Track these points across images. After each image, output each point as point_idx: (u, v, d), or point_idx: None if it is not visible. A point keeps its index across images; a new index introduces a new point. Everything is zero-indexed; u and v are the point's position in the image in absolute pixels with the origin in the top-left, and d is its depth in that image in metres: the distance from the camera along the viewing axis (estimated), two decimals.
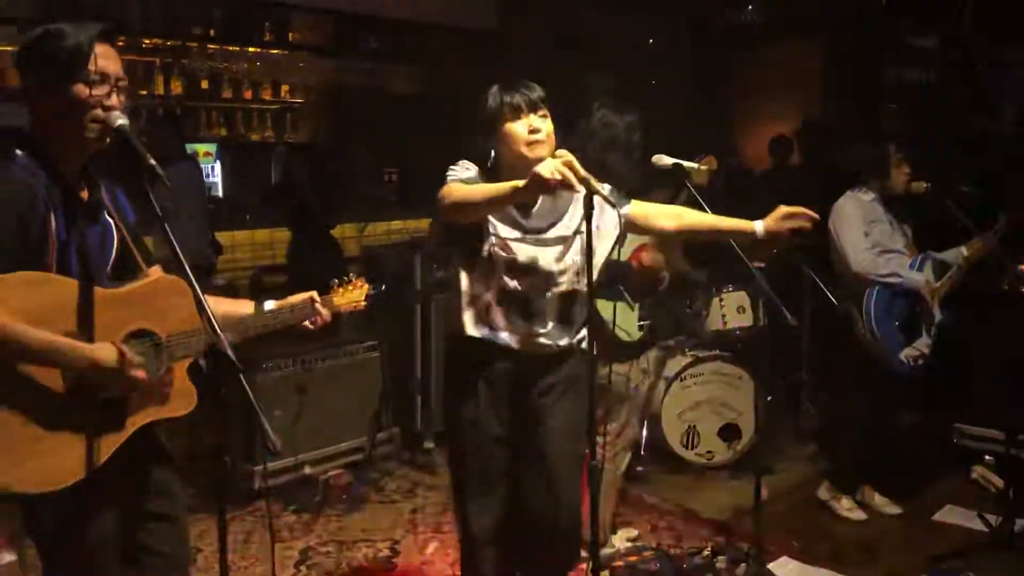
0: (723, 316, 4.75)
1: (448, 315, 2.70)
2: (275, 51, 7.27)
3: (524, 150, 2.49)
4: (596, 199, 2.38)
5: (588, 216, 2.43)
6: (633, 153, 3.47)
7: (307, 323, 2.38)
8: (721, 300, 4.76)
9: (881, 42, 7.65)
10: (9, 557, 3.49)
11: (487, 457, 2.60)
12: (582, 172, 2.42)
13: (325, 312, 2.39)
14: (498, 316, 2.55)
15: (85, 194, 2.02)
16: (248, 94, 7.24)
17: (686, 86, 8.22)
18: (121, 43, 6.23)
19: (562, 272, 2.58)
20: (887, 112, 7.58)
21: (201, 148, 6.68)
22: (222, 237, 5.75)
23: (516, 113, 2.50)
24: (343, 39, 7.53)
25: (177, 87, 6.75)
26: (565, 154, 2.46)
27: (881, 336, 3.86)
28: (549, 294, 2.57)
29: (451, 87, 6.81)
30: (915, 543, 3.82)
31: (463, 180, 2.48)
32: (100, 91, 1.94)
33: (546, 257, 2.56)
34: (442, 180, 2.52)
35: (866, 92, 7.63)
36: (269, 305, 2.31)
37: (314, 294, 2.38)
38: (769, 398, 4.78)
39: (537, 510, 2.63)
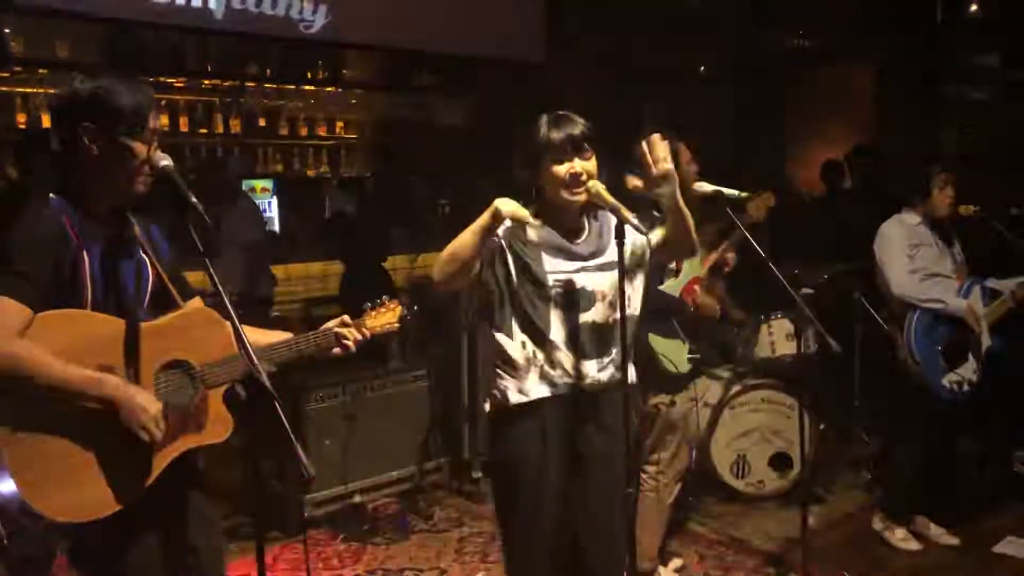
0: (772, 343, 4.70)
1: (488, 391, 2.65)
2: (329, 88, 7.45)
3: (564, 192, 2.50)
4: (626, 227, 2.42)
5: (620, 244, 2.47)
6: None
7: (338, 349, 2.38)
8: (770, 327, 4.71)
9: (938, 61, 7.53)
10: None
11: (542, 506, 2.54)
12: (611, 200, 2.46)
13: (355, 335, 2.39)
14: (563, 359, 2.51)
15: (119, 232, 2.11)
16: (304, 131, 7.42)
17: (737, 113, 8.18)
18: (181, 84, 6.52)
19: (610, 301, 2.57)
20: (944, 133, 7.44)
21: (258, 184, 6.86)
22: (277, 270, 5.90)
23: (559, 154, 2.49)
24: (394, 75, 7.68)
25: (236, 126, 6.96)
26: (596, 184, 2.51)
27: (921, 360, 3.79)
28: (604, 322, 2.56)
29: (501, 120, 6.90)
30: (972, 575, 3.71)
31: None
32: (152, 147, 2.06)
33: (600, 284, 2.56)
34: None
35: (922, 113, 7.51)
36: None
37: (345, 318, 2.40)
38: (822, 426, 4.71)
39: (587, 555, 2.59)
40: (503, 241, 2.50)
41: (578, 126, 2.53)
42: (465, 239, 2.41)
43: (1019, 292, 3.88)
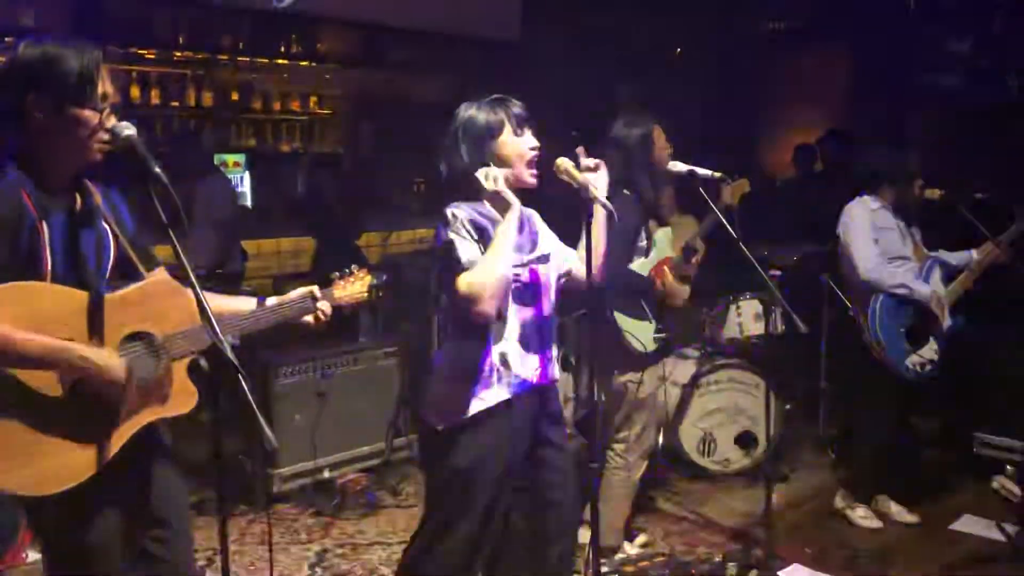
0: (740, 323, 4.74)
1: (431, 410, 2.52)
2: (303, 63, 7.37)
3: (523, 170, 2.46)
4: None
5: (588, 224, 2.48)
6: (648, 165, 3.50)
7: (308, 318, 2.34)
8: (738, 308, 4.75)
9: (911, 47, 7.59)
10: (35, 555, 3.59)
11: (491, 499, 2.48)
12: (580, 177, 2.47)
13: (325, 306, 2.34)
14: (518, 357, 2.45)
15: (78, 202, 2.07)
16: (277, 106, 7.35)
17: (710, 95, 8.20)
18: (152, 55, 6.42)
19: (551, 295, 2.57)
20: (913, 119, 7.51)
21: (230, 159, 6.80)
22: (248, 245, 5.86)
23: (520, 127, 2.46)
24: (370, 50, 7.63)
25: (207, 99, 6.88)
26: (564, 161, 2.52)
27: (886, 343, 3.85)
28: (549, 316, 2.55)
29: (476, 96, 6.87)
30: (931, 552, 3.80)
31: (470, 260, 2.35)
32: (104, 114, 2.00)
33: (545, 278, 2.55)
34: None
35: (894, 99, 7.57)
36: (271, 301, 2.30)
37: (314, 289, 2.35)
38: (788, 406, 4.77)
39: (539, 541, 2.59)
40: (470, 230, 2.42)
41: (519, 104, 2.49)
42: (504, 248, 2.33)
43: (982, 255, 3.92)
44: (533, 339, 2.50)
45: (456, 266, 2.34)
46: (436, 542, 2.51)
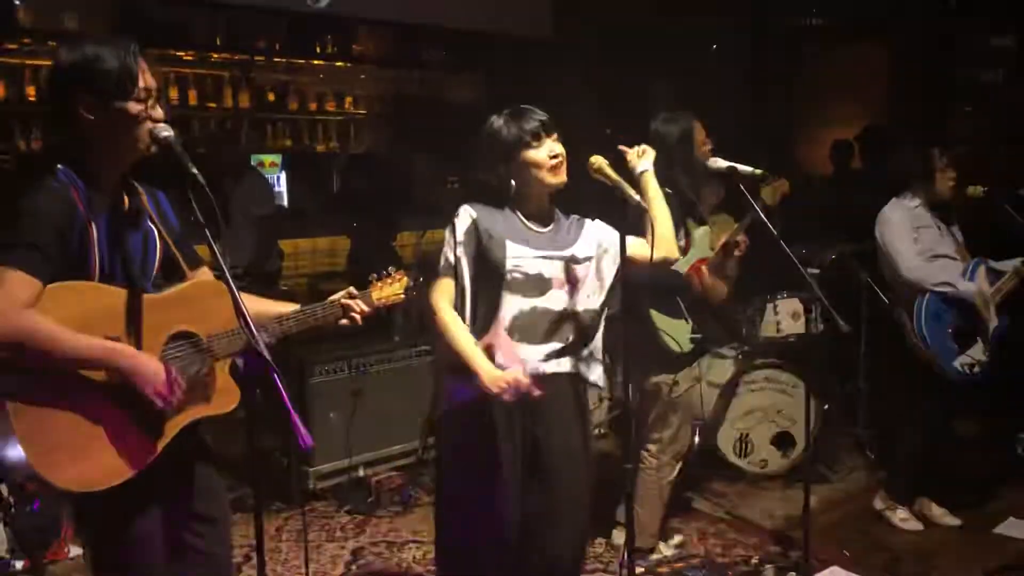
0: (777, 323, 4.69)
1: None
2: (339, 64, 7.42)
3: (546, 175, 2.53)
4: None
5: (624, 219, 2.48)
6: (688, 164, 3.47)
7: (345, 320, 2.38)
8: (775, 307, 4.70)
9: (951, 42, 7.45)
10: (77, 550, 3.65)
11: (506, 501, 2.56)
12: (615, 176, 2.48)
13: (362, 306, 2.39)
14: (509, 345, 2.51)
15: (126, 202, 2.11)
16: (313, 106, 7.41)
17: (747, 91, 8.12)
18: (190, 57, 6.50)
19: (567, 291, 2.59)
20: (956, 115, 7.38)
21: (267, 159, 6.88)
22: (285, 245, 5.92)
23: (537, 139, 2.53)
24: (404, 50, 7.66)
25: (244, 100, 6.95)
26: (599, 160, 2.52)
27: (932, 344, 3.78)
28: (560, 310, 2.57)
29: (510, 95, 6.87)
30: (973, 556, 3.72)
31: (444, 268, 2.56)
32: (148, 105, 2.04)
33: (557, 272, 2.57)
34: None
35: (934, 94, 7.44)
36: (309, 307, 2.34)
37: (351, 289, 2.40)
38: (826, 407, 4.71)
39: (542, 538, 2.61)
40: (462, 237, 2.53)
41: (541, 113, 2.58)
42: (455, 345, 2.46)
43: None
44: (525, 329, 2.52)
45: (435, 267, 2.56)
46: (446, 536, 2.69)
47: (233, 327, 2.11)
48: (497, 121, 2.58)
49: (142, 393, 1.95)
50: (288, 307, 2.33)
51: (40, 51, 5.84)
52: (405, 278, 2.53)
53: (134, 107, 2.02)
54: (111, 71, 1.99)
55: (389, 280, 2.51)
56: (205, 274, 2.24)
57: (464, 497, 2.58)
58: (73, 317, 1.90)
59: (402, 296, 2.52)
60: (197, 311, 2.12)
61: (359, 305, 2.38)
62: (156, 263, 2.14)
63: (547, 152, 2.52)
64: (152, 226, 2.15)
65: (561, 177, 2.54)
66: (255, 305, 2.04)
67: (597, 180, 2.54)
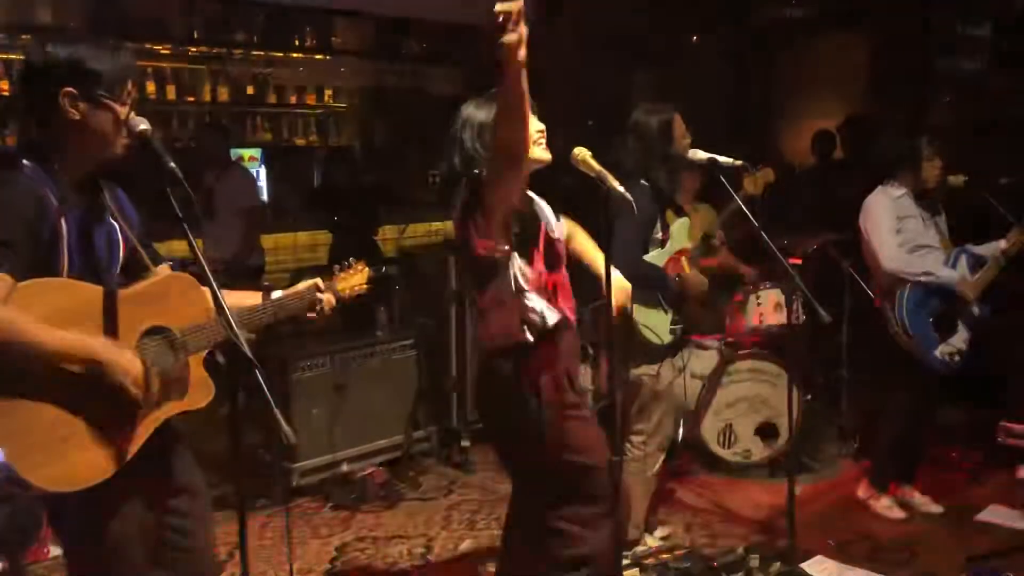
0: (760, 313, 4.69)
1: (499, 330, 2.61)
2: (318, 56, 7.37)
3: (536, 150, 2.53)
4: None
5: (606, 211, 2.46)
6: (668, 155, 3.46)
7: (312, 314, 2.38)
8: (758, 297, 4.70)
9: (930, 31, 7.48)
10: (57, 550, 3.61)
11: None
12: (597, 166, 2.46)
13: (328, 297, 2.39)
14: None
15: (92, 198, 2.08)
16: (292, 99, 7.35)
17: (728, 82, 8.13)
18: (167, 51, 6.43)
19: None
20: (935, 104, 7.41)
21: (246, 153, 6.81)
22: (265, 240, 5.86)
23: None
24: (384, 43, 7.62)
25: (223, 94, 6.89)
26: (582, 151, 2.50)
27: (914, 334, 3.80)
28: None
29: (490, 87, 6.84)
30: (956, 543, 3.75)
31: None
32: (126, 108, 2.04)
33: None
34: None
35: (913, 84, 7.47)
36: (276, 294, 2.33)
37: (318, 281, 2.40)
38: (808, 396, 4.72)
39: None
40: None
41: None
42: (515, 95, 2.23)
43: (1009, 244, 3.85)
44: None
45: None
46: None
47: (205, 321, 2.09)
48: (469, 107, 2.58)
49: (120, 387, 1.93)
50: (256, 299, 2.31)
51: (12, 46, 5.76)
52: (367, 268, 2.53)
53: (120, 108, 2.02)
54: (109, 69, 1.99)
55: (351, 271, 2.51)
56: (166, 269, 2.21)
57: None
58: (47, 314, 1.86)
59: (366, 287, 2.52)
60: (169, 306, 2.09)
61: (326, 297, 2.38)
62: (120, 259, 2.12)
63: (533, 128, 2.49)
64: (114, 222, 2.12)
65: (548, 153, 2.56)
66: (225, 298, 2.01)
67: (580, 171, 2.52)
